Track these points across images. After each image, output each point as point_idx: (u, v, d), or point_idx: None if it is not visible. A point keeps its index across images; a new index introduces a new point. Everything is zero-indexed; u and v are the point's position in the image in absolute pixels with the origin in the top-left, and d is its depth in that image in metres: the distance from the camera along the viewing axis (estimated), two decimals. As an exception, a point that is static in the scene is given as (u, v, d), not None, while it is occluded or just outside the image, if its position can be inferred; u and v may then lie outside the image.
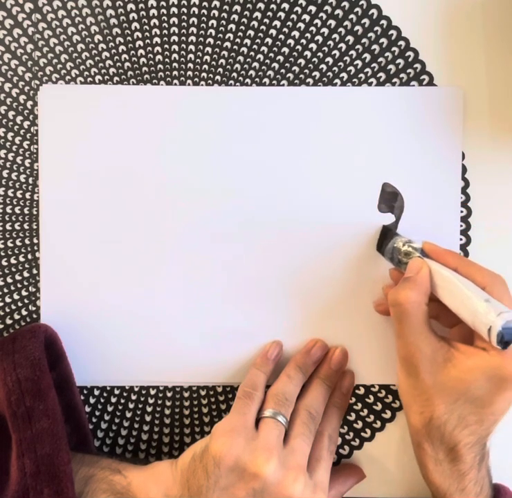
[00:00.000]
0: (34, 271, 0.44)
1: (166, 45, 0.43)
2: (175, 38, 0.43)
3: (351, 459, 0.45)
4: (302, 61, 0.43)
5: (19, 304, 0.44)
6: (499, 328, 0.34)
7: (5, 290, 0.44)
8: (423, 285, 0.38)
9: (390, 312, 0.39)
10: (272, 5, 0.43)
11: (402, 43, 0.43)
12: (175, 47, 0.43)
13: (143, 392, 0.45)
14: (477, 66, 0.44)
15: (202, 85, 0.43)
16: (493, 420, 0.37)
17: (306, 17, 0.43)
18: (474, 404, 0.36)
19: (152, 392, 0.45)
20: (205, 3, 0.43)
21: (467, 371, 0.36)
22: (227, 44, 0.43)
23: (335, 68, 0.43)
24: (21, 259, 0.44)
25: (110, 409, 0.45)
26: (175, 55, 0.43)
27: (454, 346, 0.37)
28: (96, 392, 0.45)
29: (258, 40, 0.43)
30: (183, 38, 0.43)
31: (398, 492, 0.45)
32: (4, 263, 0.44)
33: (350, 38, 0.43)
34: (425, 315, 0.37)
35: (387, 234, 0.42)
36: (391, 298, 0.38)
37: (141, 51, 0.43)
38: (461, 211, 0.44)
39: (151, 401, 0.45)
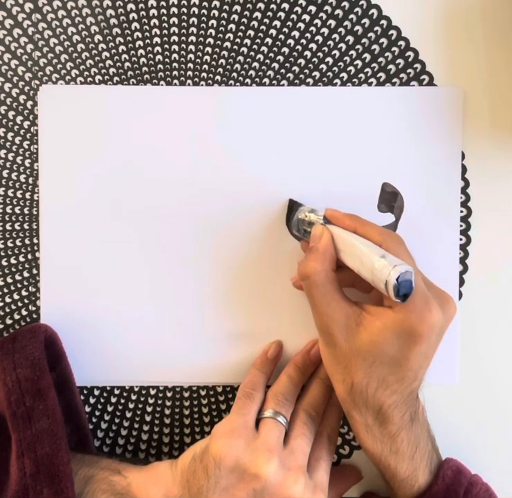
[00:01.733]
0: (34, 271, 0.44)
1: (166, 45, 0.43)
2: (175, 38, 0.43)
3: (351, 459, 0.45)
4: (302, 61, 0.43)
5: (19, 304, 0.44)
6: (394, 282, 0.34)
7: (5, 290, 0.44)
8: (326, 252, 0.38)
9: (302, 285, 0.38)
10: (272, 5, 0.43)
11: (402, 43, 0.43)
12: (175, 47, 0.43)
13: (143, 392, 0.45)
14: (477, 66, 0.44)
15: (202, 85, 0.43)
16: (413, 376, 0.36)
17: (306, 17, 0.43)
18: (390, 364, 0.36)
19: (152, 392, 0.45)
20: (205, 3, 0.43)
21: (377, 333, 0.35)
22: (227, 44, 0.43)
23: (335, 68, 0.43)
24: (21, 259, 0.44)
25: (110, 409, 0.45)
26: (175, 55, 0.43)
27: (366, 309, 0.37)
28: (96, 392, 0.45)
29: (258, 40, 0.43)
30: (183, 38, 0.43)
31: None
32: (4, 263, 0.44)
33: (350, 38, 0.43)
34: (333, 283, 0.37)
35: (293, 207, 0.42)
36: (300, 273, 0.38)
37: (141, 51, 0.43)
38: (461, 211, 0.44)
39: (151, 401, 0.45)
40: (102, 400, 0.45)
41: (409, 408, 0.37)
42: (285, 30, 0.43)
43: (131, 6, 0.43)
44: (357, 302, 0.38)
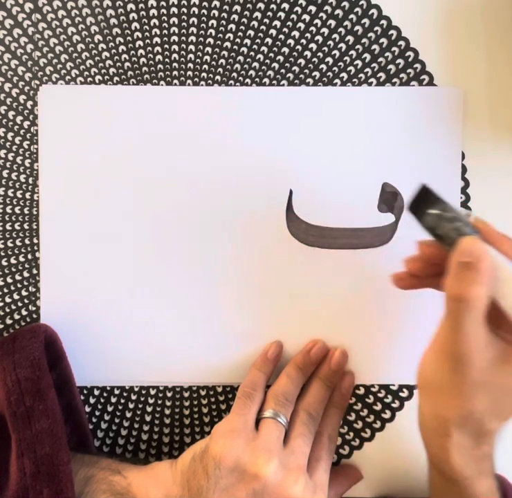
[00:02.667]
0: (34, 271, 0.44)
1: (166, 46, 0.43)
2: (175, 38, 0.43)
3: (351, 459, 0.45)
4: (302, 61, 0.43)
5: (19, 304, 0.44)
6: None
7: (5, 290, 0.44)
8: (488, 276, 0.32)
9: (447, 306, 0.34)
10: (272, 5, 0.43)
11: (402, 43, 0.43)
12: (175, 47, 0.43)
13: (143, 392, 0.45)
14: (477, 66, 0.44)
15: (202, 85, 0.43)
16: None
17: (306, 17, 0.43)
18: None
19: (152, 392, 0.45)
20: (205, 3, 0.43)
21: None
22: (227, 44, 0.43)
23: (335, 68, 0.43)
24: (21, 259, 0.44)
25: (110, 409, 0.45)
26: (175, 55, 0.43)
27: (507, 341, 0.34)
28: (96, 392, 0.45)
29: (258, 40, 0.43)
30: (183, 38, 0.43)
31: (398, 492, 0.45)
32: (4, 263, 0.44)
33: (350, 38, 0.43)
34: (486, 309, 0.33)
35: (429, 197, 0.35)
36: (454, 292, 0.33)
37: (141, 51, 0.43)
38: (461, 212, 0.44)
39: (151, 401, 0.45)
40: (102, 400, 0.45)
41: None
42: (285, 30, 0.43)
43: (131, 6, 0.43)
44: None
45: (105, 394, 0.45)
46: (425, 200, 0.36)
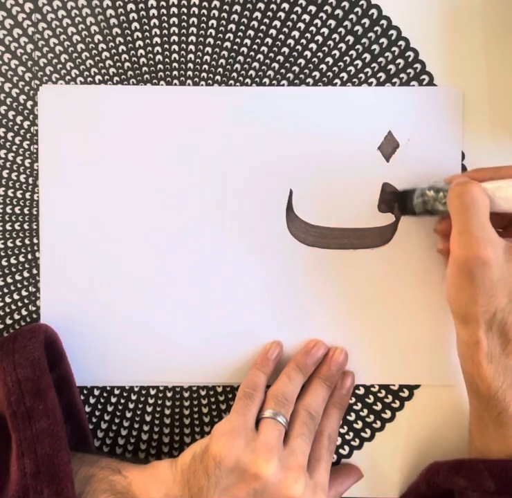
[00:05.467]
0: (34, 271, 0.44)
1: (166, 45, 0.43)
2: (175, 38, 0.43)
3: (350, 459, 0.45)
4: (302, 61, 0.43)
5: (19, 304, 0.44)
6: None
7: (5, 290, 0.44)
8: (480, 184, 0.37)
9: (453, 207, 0.37)
10: (272, 5, 0.43)
11: (402, 43, 0.43)
12: (175, 47, 0.43)
13: (143, 392, 0.45)
14: (477, 66, 0.44)
15: (202, 85, 0.43)
16: None
17: (306, 17, 0.43)
18: None
19: (152, 392, 0.45)
20: (205, 3, 0.43)
21: None
22: (227, 44, 0.43)
23: (335, 68, 0.43)
24: (21, 259, 0.44)
25: (110, 409, 0.45)
26: (175, 55, 0.43)
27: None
28: (96, 392, 0.45)
29: (258, 40, 0.43)
30: (183, 38, 0.43)
31: (398, 492, 0.45)
32: (4, 263, 0.44)
33: (350, 38, 0.43)
34: (488, 210, 0.37)
35: (407, 194, 0.42)
36: (456, 190, 0.37)
37: (141, 51, 0.43)
38: (461, 211, 0.44)
39: (151, 401, 0.45)
40: (102, 400, 0.45)
41: None
42: (285, 30, 0.43)
43: (131, 6, 0.43)
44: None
45: (105, 394, 0.45)
46: (406, 198, 0.42)
